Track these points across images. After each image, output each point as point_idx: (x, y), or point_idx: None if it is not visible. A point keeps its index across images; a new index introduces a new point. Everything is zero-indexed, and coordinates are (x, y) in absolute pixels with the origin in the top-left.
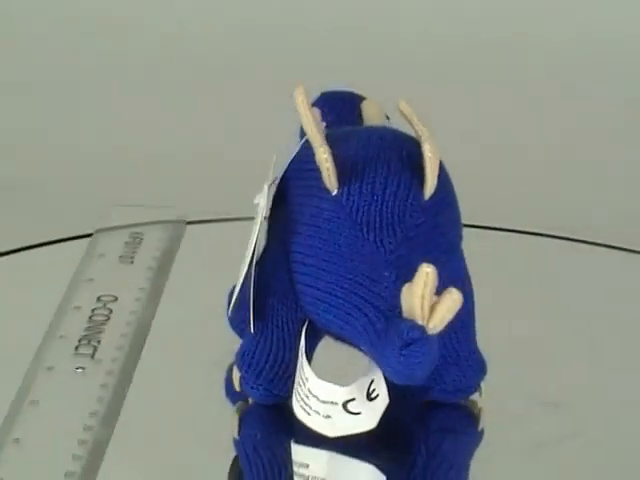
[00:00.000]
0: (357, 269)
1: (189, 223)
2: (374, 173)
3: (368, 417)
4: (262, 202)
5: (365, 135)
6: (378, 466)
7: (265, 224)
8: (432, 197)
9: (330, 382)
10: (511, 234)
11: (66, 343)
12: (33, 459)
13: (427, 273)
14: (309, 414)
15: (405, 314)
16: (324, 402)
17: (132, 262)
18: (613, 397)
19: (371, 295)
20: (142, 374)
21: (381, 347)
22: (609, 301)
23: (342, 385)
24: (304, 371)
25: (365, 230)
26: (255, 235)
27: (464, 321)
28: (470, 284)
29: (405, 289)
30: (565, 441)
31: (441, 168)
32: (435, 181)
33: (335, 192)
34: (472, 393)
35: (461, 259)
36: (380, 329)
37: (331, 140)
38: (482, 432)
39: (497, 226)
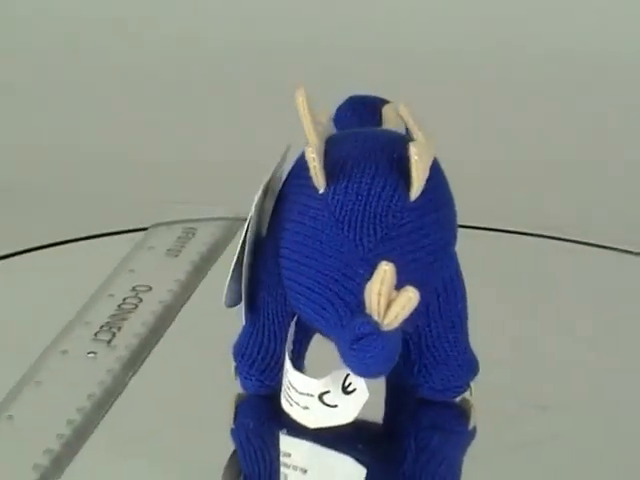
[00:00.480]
0: (335, 266)
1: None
2: (361, 173)
3: (345, 410)
4: (256, 198)
5: (361, 137)
6: (360, 459)
7: (256, 218)
8: (419, 199)
9: (306, 374)
10: (502, 234)
11: (88, 329)
12: (20, 436)
13: (385, 271)
14: (291, 405)
15: (366, 310)
16: (301, 394)
17: (177, 256)
18: (606, 398)
19: (344, 291)
20: (152, 364)
21: (340, 341)
22: (602, 302)
23: (319, 378)
24: (285, 363)
25: (346, 228)
26: (245, 229)
27: (454, 322)
28: (462, 286)
29: (367, 286)
30: (554, 441)
31: (435, 171)
32: (421, 183)
33: (322, 191)
34: (461, 393)
35: (451, 261)
36: (345, 324)
37: (332, 141)
38: (474, 430)
39: (489, 226)
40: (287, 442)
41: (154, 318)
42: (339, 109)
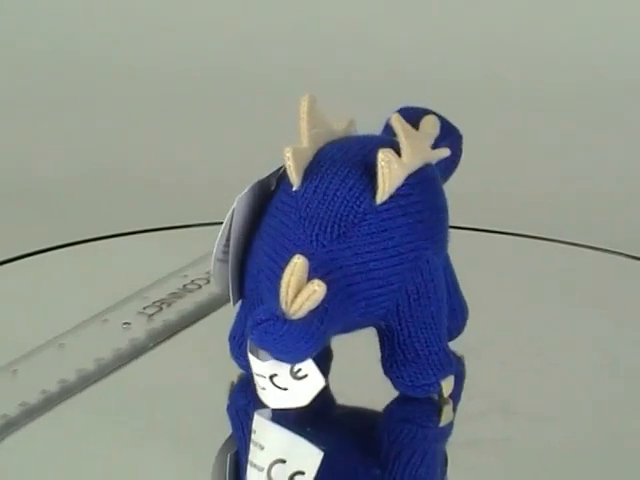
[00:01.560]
0: (287, 258)
1: None
2: (334, 175)
3: (296, 395)
4: (242, 193)
5: (354, 142)
6: (322, 446)
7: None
8: (387, 203)
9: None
10: (493, 235)
11: (142, 302)
12: (16, 385)
13: (295, 264)
14: (256, 385)
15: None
16: (257, 375)
17: None
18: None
19: None
20: (177, 341)
21: None
22: (602, 303)
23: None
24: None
25: (307, 224)
26: (226, 221)
27: (426, 323)
28: (437, 290)
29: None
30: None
31: (423, 178)
32: (387, 188)
33: (295, 188)
34: (431, 391)
35: (427, 265)
36: None
37: (329, 145)
38: (450, 426)
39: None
40: (256, 420)
41: (202, 303)
42: (388, 120)
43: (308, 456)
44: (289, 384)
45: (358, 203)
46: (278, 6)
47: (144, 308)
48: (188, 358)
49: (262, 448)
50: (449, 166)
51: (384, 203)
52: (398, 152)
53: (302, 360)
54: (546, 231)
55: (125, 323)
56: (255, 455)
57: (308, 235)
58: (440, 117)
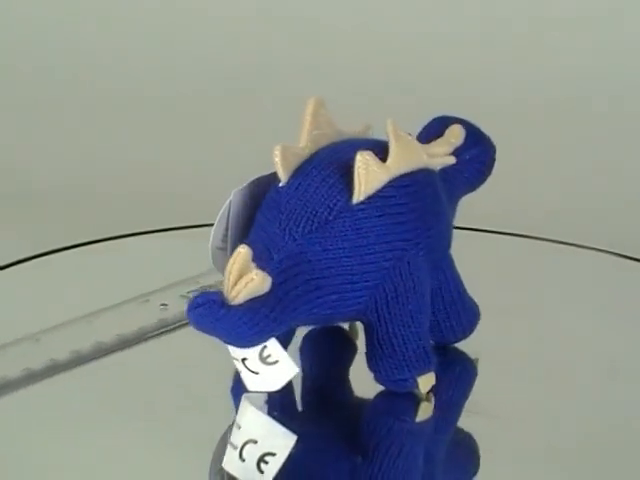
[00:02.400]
0: (259, 249)
1: None
2: (317, 173)
3: (267, 379)
4: (240, 187)
5: (349, 143)
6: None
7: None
8: (366, 204)
9: None
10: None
11: (187, 285)
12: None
13: (239, 253)
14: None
15: None
16: (232, 358)
17: None
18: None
19: None
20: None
21: None
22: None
23: None
24: None
25: (284, 218)
26: (223, 208)
27: (404, 321)
28: (420, 290)
29: None
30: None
31: (412, 182)
32: (364, 189)
33: (281, 184)
34: (407, 387)
35: (406, 266)
36: None
37: (327, 146)
38: (428, 421)
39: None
40: (241, 402)
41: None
42: (424, 128)
43: (281, 439)
44: (260, 369)
45: (335, 201)
46: (278, 7)
47: (188, 292)
48: (197, 342)
49: (239, 428)
50: (476, 175)
51: (361, 203)
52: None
53: (250, 345)
54: (547, 232)
55: (163, 304)
56: (234, 434)
57: (282, 229)
58: (471, 127)
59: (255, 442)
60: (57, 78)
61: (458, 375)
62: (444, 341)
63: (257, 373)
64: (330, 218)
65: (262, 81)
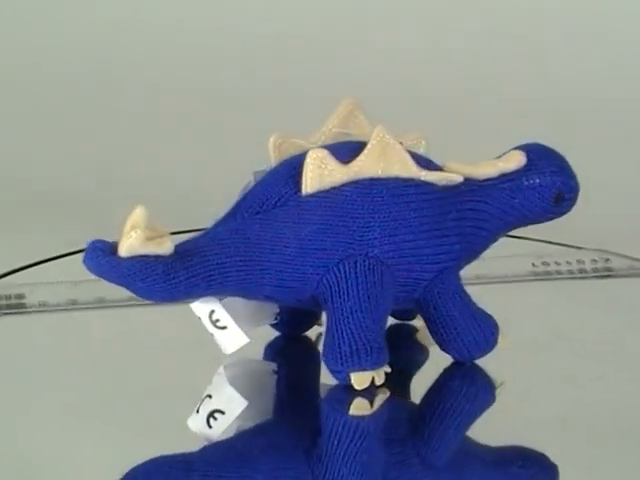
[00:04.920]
0: (214, 231)
1: None
2: (289, 162)
3: (220, 342)
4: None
5: (348, 143)
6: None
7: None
8: (315, 198)
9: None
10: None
11: None
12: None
13: (134, 211)
14: None
15: None
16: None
17: None
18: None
19: None
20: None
21: None
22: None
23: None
24: None
25: (242, 200)
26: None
27: (344, 316)
28: (362, 289)
29: None
30: None
31: (380, 189)
32: (310, 183)
33: (253, 177)
34: (339, 379)
35: (352, 264)
36: None
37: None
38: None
39: None
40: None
41: None
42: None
43: (233, 400)
44: (212, 331)
45: (287, 190)
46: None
47: None
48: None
49: (210, 397)
50: (530, 207)
51: (311, 196)
52: None
53: (155, 299)
54: (550, 234)
55: None
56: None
57: (236, 211)
58: (551, 157)
59: (210, 397)
60: (57, 79)
61: (475, 393)
62: (463, 357)
63: (212, 335)
64: (278, 204)
65: (263, 83)
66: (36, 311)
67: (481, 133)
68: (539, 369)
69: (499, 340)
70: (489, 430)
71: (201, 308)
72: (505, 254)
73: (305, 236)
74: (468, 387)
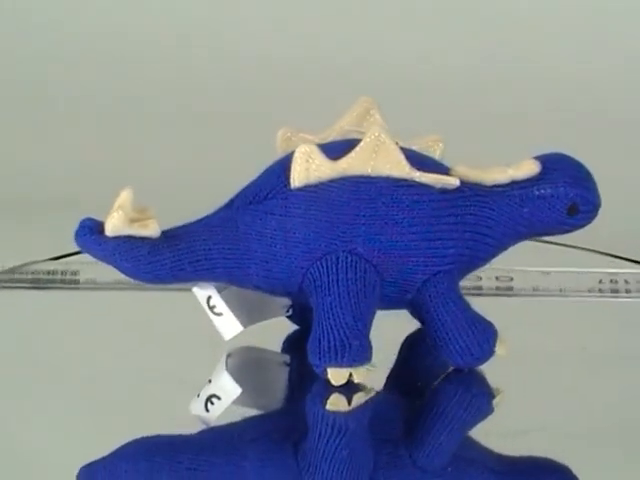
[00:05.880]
0: (211, 220)
1: None
2: (280, 161)
3: (218, 328)
4: None
5: (348, 141)
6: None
7: None
8: (304, 192)
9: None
10: None
11: None
12: None
13: (122, 193)
14: None
15: None
16: None
17: None
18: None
19: None
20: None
21: None
22: None
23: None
24: None
25: (240, 195)
26: None
27: (325, 311)
28: (342, 286)
29: None
30: None
31: (368, 188)
32: (297, 176)
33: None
34: (316, 371)
35: (334, 261)
36: None
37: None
38: (354, 410)
39: None
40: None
41: None
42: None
43: (229, 387)
44: (211, 316)
45: (278, 182)
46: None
47: None
48: None
49: (210, 381)
50: (540, 217)
51: (299, 190)
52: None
53: (142, 279)
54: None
55: None
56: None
57: (233, 201)
58: (569, 167)
59: (209, 382)
60: (58, 80)
61: (471, 397)
62: (456, 364)
63: (211, 321)
64: (269, 196)
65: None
66: (87, 288)
67: (508, 138)
68: (551, 381)
69: (497, 349)
70: (482, 436)
71: (200, 293)
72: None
73: (290, 229)
74: (464, 393)
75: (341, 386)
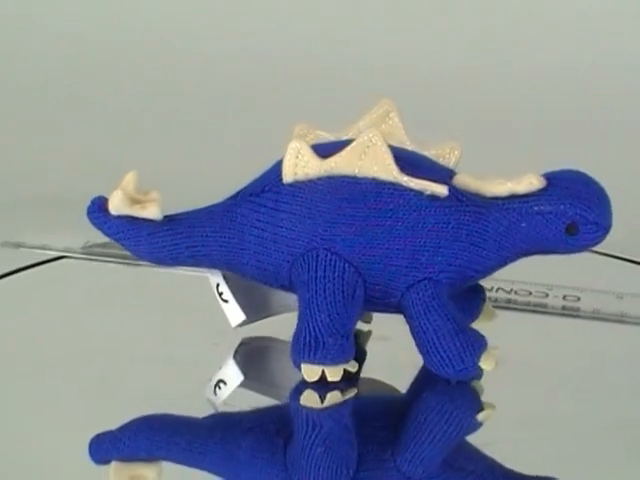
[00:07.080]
0: (214, 209)
1: None
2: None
3: (226, 314)
4: None
5: (336, 140)
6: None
7: None
8: (294, 187)
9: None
10: None
11: None
12: None
13: (126, 175)
14: None
15: None
16: None
17: None
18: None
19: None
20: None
21: None
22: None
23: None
24: None
25: (245, 187)
26: None
27: (303, 308)
28: (320, 285)
29: None
30: None
31: (353, 188)
32: (288, 170)
33: None
34: (295, 367)
35: (314, 258)
36: None
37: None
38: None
39: None
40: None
41: None
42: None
43: (234, 374)
44: (220, 303)
45: (274, 177)
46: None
47: None
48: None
49: (220, 367)
50: (536, 234)
51: (289, 185)
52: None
53: (144, 259)
54: None
55: None
56: None
57: (241, 190)
58: (575, 186)
59: (220, 368)
60: (58, 80)
61: (452, 411)
62: (436, 372)
63: (220, 306)
64: (265, 189)
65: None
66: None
67: (514, 142)
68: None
69: (482, 363)
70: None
71: (211, 279)
72: None
73: (278, 223)
74: (447, 404)
75: (337, 383)
